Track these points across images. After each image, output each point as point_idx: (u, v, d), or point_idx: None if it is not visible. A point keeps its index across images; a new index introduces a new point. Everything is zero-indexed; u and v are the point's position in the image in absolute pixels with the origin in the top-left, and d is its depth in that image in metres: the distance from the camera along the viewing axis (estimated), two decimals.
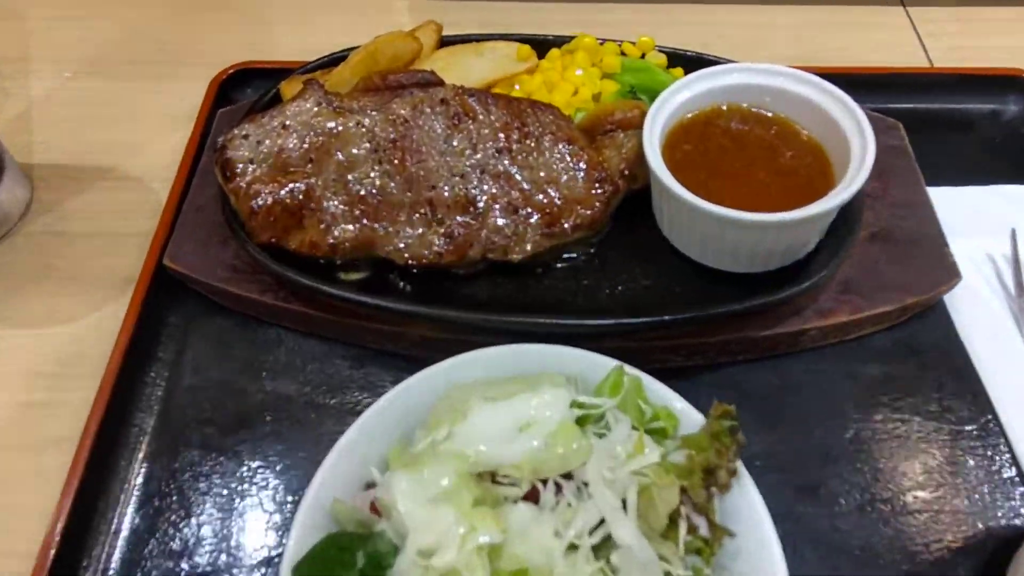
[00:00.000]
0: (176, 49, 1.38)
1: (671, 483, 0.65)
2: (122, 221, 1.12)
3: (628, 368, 0.77)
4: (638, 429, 0.74)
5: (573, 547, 0.63)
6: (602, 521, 0.63)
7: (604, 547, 0.63)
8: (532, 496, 0.67)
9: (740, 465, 0.71)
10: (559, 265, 0.96)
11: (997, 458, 0.87)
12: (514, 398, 0.74)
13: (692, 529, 0.65)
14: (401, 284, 0.94)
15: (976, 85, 1.20)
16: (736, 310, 0.85)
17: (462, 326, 0.86)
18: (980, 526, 0.82)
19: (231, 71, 1.20)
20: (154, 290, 0.99)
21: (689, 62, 1.10)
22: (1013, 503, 0.83)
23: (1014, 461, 0.86)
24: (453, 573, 0.60)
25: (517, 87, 1.08)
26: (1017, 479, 0.85)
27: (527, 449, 0.70)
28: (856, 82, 1.15)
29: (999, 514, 0.83)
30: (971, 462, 0.87)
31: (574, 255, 0.97)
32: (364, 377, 0.95)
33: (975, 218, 1.05)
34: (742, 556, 0.69)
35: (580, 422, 0.74)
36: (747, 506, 0.70)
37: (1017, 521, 0.82)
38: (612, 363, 0.78)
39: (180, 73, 1.33)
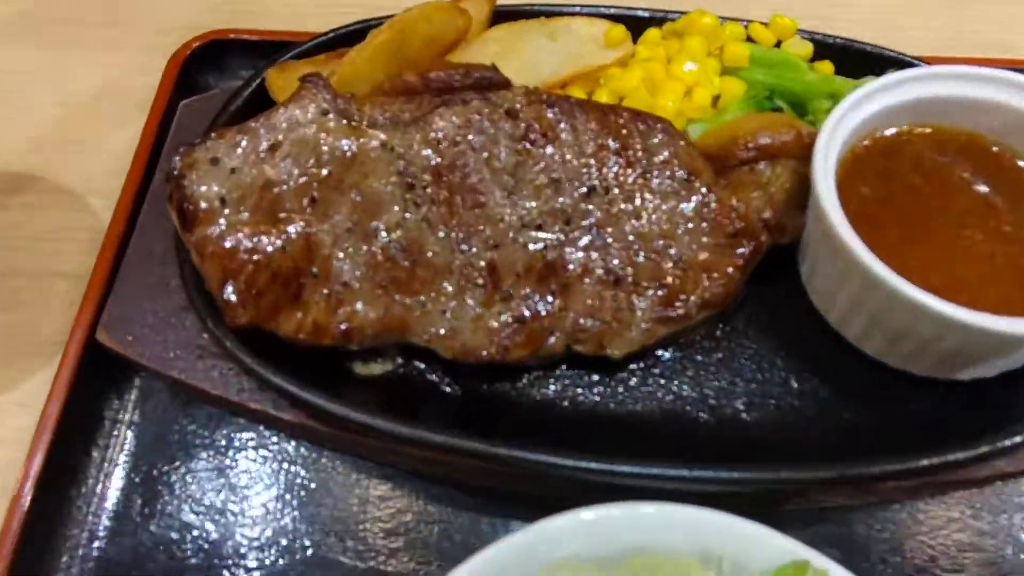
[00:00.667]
0: (130, 6, 1.04)
1: None
2: (49, 256, 0.82)
3: (815, 559, 0.50)
4: None
5: None
6: None
7: None
8: None
9: None
10: (670, 354, 0.67)
11: None
12: None
13: None
14: (444, 382, 0.65)
15: None
16: (961, 459, 0.57)
17: (537, 471, 0.57)
18: None
19: (197, 44, 0.88)
20: (87, 368, 0.70)
21: (841, 54, 0.79)
22: None
23: None
24: None
25: (602, 83, 0.76)
26: None
27: None
28: None
29: None
30: None
31: (693, 339, 0.68)
32: (390, 510, 0.67)
33: None
34: None
35: None
36: None
37: None
38: (784, 546, 0.51)
39: (134, 41, 0.99)
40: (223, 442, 0.69)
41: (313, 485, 0.68)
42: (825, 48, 0.80)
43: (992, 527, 0.66)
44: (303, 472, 0.68)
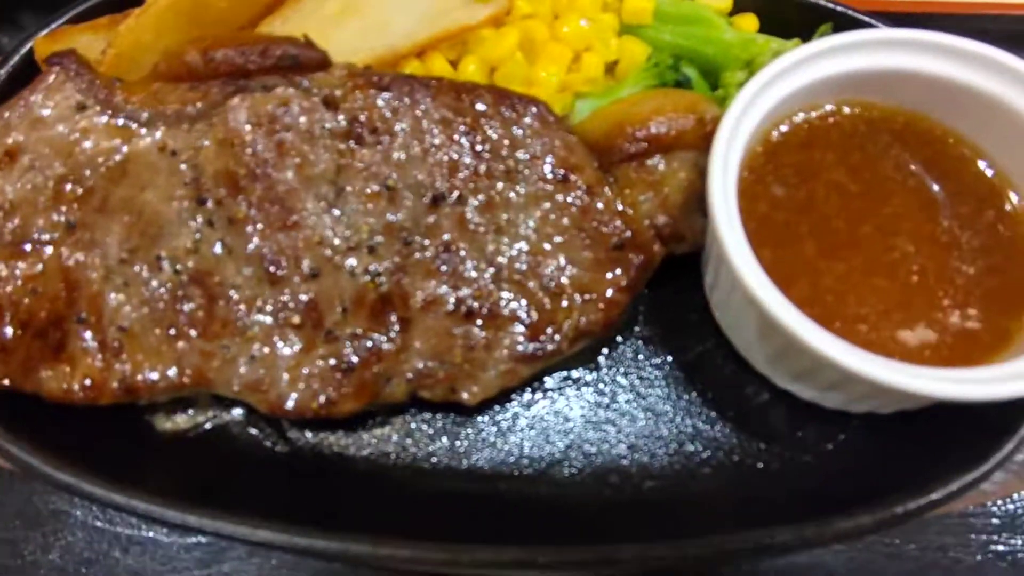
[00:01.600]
0: None
1: None
2: None
3: None
4: None
5: None
6: None
7: None
8: None
9: None
10: (540, 390, 0.56)
11: None
12: None
13: None
14: (266, 434, 0.54)
15: None
16: (866, 525, 0.48)
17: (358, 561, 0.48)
18: None
19: None
20: None
21: (768, 4, 0.65)
22: None
23: None
24: None
25: (470, 48, 0.61)
26: None
27: None
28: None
29: None
30: None
31: (569, 369, 0.57)
32: None
33: None
34: None
35: None
36: None
37: None
38: None
39: None
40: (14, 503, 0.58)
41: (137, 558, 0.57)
42: None
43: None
44: (114, 540, 0.58)
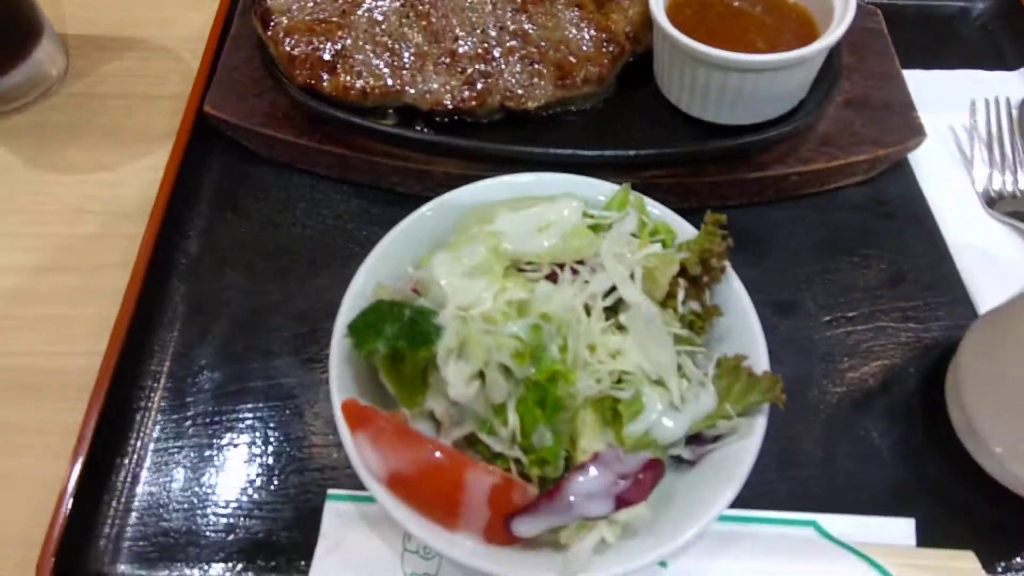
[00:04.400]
0: None
1: (671, 261, 0.76)
2: (155, 86, 1.19)
3: (633, 191, 0.88)
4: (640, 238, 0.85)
5: (588, 311, 0.74)
6: (612, 289, 0.75)
7: (614, 311, 0.75)
8: (552, 278, 0.78)
9: (728, 264, 0.82)
10: (569, 118, 1.06)
11: (945, 288, 1.00)
12: (534, 207, 0.85)
13: (688, 299, 0.76)
14: (425, 132, 1.04)
15: None
16: (728, 146, 0.96)
17: (485, 157, 0.96)
18: (927, 338, 0.95)
19: None
20: (194, 139, 1.07)
21: None
22: (957, 326, 0.96)
23: (961, 291, 0.99)
24: (489, 319, 0.71)
25: None
26: (961, 303, 0.98)
27: (546, 244, 0.81)
28: None
29: (944, 334, 0.96)
30: (922, 291, 1.00)
31: (584, 108, 1.07)
32: (392, 215, 1.03)
33: (940, 96, 1.17)
34: (729, 337, 0.81)
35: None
36: (734, 297, 0.81)
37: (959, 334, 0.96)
38: (620, 187, 0.89)
39: None
40: (284, 180, 1.07)
41: (343, 203, 1.05)
42: None
43: (791, 219, 1.05)
44: (335, 196, 1.05)
